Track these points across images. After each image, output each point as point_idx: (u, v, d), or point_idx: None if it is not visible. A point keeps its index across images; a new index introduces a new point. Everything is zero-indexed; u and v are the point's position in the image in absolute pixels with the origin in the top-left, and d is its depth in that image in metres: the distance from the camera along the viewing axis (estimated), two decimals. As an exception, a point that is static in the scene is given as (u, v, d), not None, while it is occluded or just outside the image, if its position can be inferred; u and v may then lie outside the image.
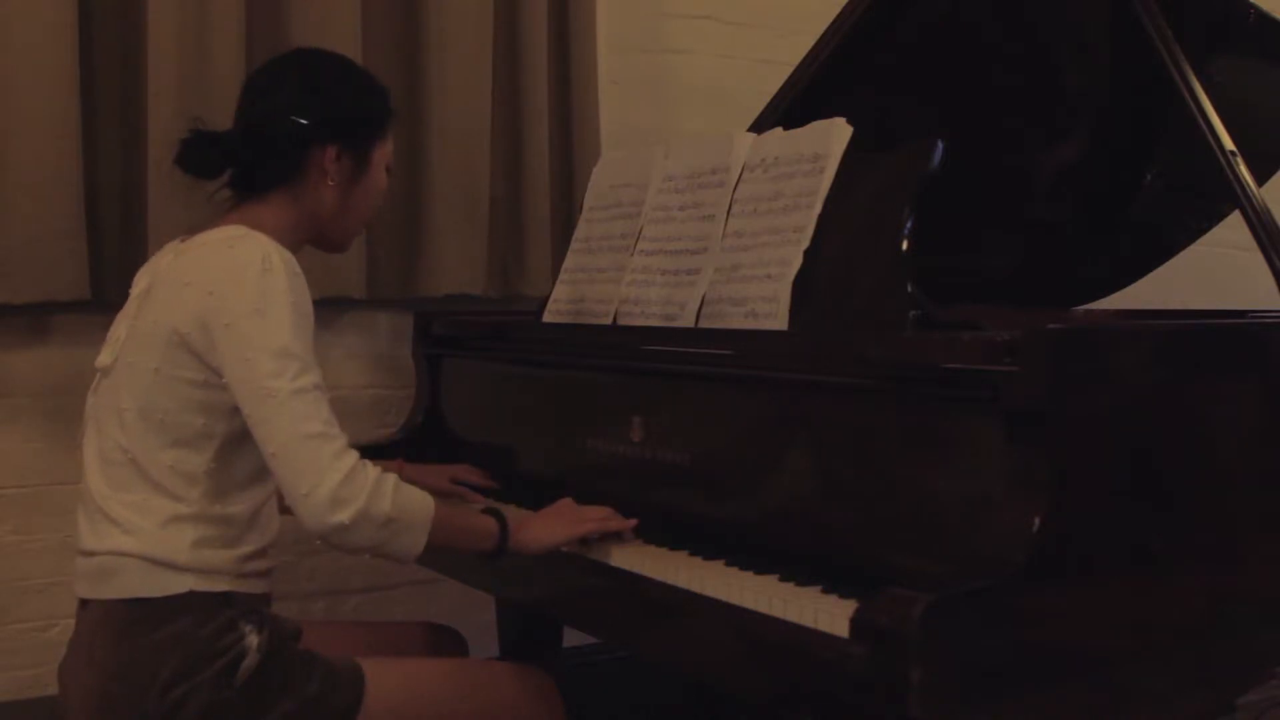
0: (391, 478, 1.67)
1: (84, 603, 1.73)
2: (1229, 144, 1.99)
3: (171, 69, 2.42)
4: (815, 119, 1.95)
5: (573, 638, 2.53)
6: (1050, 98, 2.47)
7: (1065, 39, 2.40)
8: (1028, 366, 1.44)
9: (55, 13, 2.32)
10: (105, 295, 2.41)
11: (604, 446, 2.03)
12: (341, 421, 1.67)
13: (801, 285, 1.82)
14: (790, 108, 2.31)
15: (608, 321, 2.12)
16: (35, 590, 2.45)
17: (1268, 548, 1.70)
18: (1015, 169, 2.52)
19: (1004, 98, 2.41)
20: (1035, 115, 2.48)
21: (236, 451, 1.70)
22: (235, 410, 1.67)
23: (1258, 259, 1.94)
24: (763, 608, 1.55)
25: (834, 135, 1.89)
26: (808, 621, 1.48)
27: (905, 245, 1.74)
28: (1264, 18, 2.33)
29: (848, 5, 2.32)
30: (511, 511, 1.86)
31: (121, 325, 1.79)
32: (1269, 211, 1.98)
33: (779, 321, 1.82)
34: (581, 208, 2.34)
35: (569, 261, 2.30)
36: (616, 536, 1.84)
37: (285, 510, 1.70)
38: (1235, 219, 2.06)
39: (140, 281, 1.82)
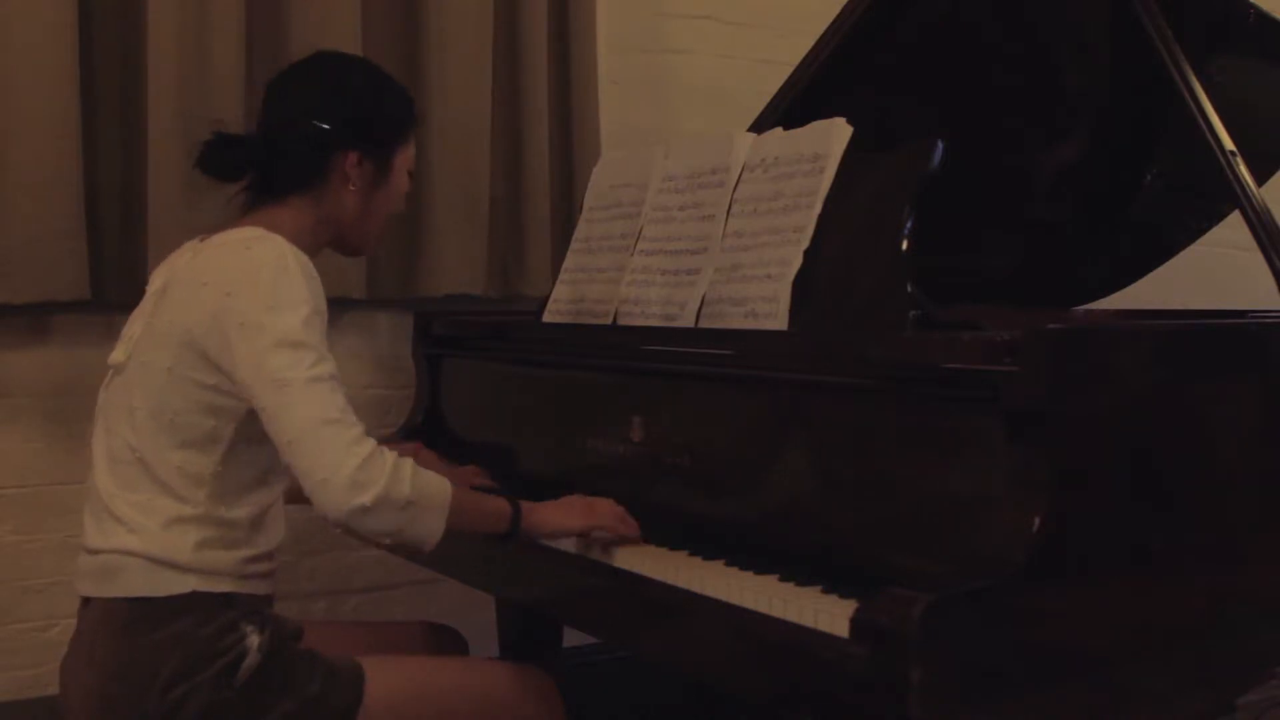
0: (409, 462, 1.66)
1: (86, 601, 1.73)
2: (1229, 144, 1.99)
3: (171, 69, 2.42)
4: (815, 119, 1.95)
5: (573, 638, 2.53)
6: (1050, 98, 2.47)
7: (1065, 39, 2.40)
8: (1028, 366, 1.44)
9: (55, 13, 2.32)
10: (105, 295, 2.41)
11: (604, 446, 2.03)
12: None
13: (801, 285, 1.82)
14: (790, 108, 2.31)
15: (608, 321, 2.12)
16: (35, 590, 2.45)
17: (1268, 548, 1.70)
18: (1015, 169, 2.52)
19: (1004, 98, 2.41)
20: (1035, 115, 2.48)
21: (244, 455, 1.70)
22: (246, 414, 1.67)
23: (1258, 259, 1.94)
24: (763, 608, 1.55)
25: (834, 135, 1.89)
26: (808, 621, 1.48)
27: (905, 245, 1.73)
28: (1264, 18, 2.33)
29: (848, 5, 2.32)
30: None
31: (137, 323, 1.78)
32: (1269, 211, 1.98)
33: (779, 321, 1.82)
34: (581, 208, 2.34)
35: (569, 261, 2.30)
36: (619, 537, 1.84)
37: (304, 500, 1.68)
38: (1235, 219, 2.06)
39: (156, 279, 1.81)
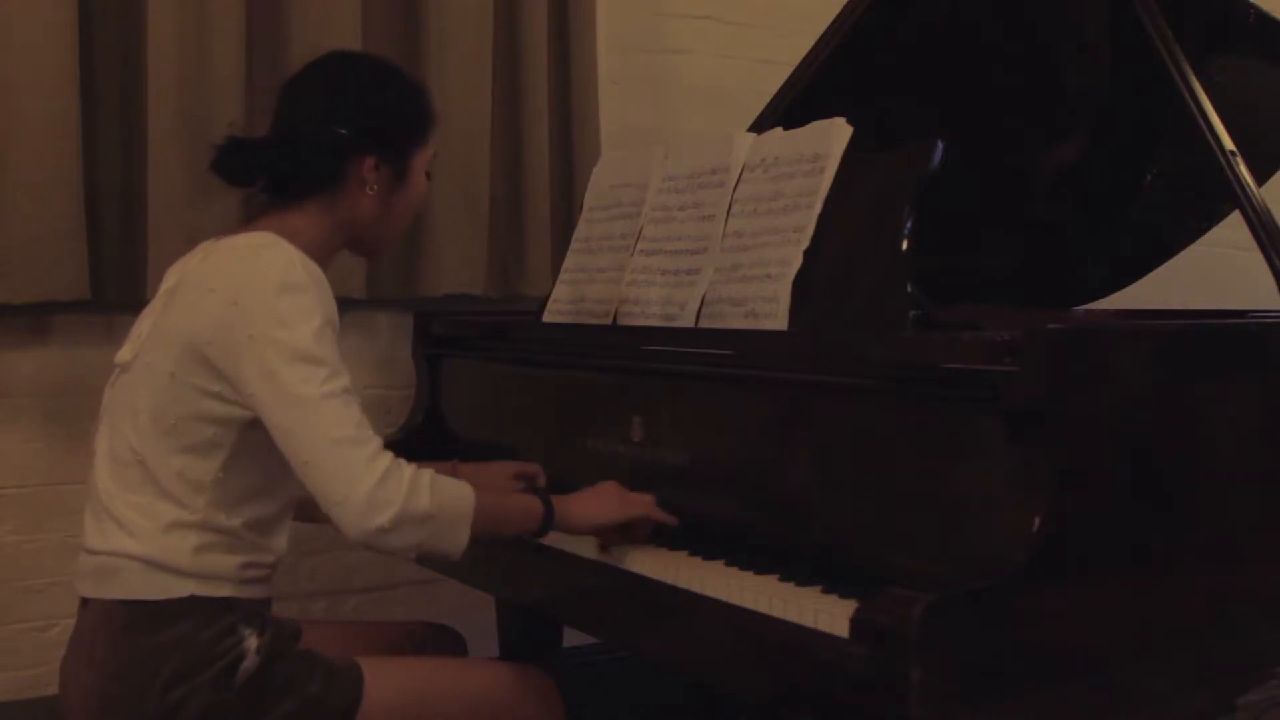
0: (428, 473, 1.65)
1: (85, 601, 1.73)
2: (1229, 144, 1.99)
3: (171, 69, 2.42)
4: (815, 119, 1.95)
5: (573, 638, 2.53)
6: (1050, 98, 2.47)
7: (1065, 39, 2.40)
8: (1028, 366, 1.44)
9: (55, 13, 2.32)
10: (105, 295, 2.41)
11: (604, 446, 2.03)
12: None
13: (801, 285, 1.82)
14: (790, 108, 2.31)
15: (608, 321, 2.12)
16: (35, 590, 2.45)
17: (1268, 548, 1.70)
18: (1015, 169, 2.52)
19: (1004, 98, 2.41)
20: (1035, 115, 2.48)
21: (245, 464, 1.68)
22: (248, 424, 1.65)
23: (1258, 259, 1.94)
24: (763, 608, 1.55)
25: (834, 135, 1.89)
26: (808, 621, 1.49)
27: (905, 245, 1.73)
28: (1264, 18, 2.33)
29: (848, 5, 2.31)
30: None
31: (146, 320, 1.77)
32: (1269, 211, 1.98)
33: (779, 321, 1.82)
34: (581, 208, 2.34)
35: (569, 261, 2.30)
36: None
37: (317, 518, 1.68)
38: (1235, 219, 2.06)
39: (169, 278, 1.80)
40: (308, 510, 1.71)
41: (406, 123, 1.85)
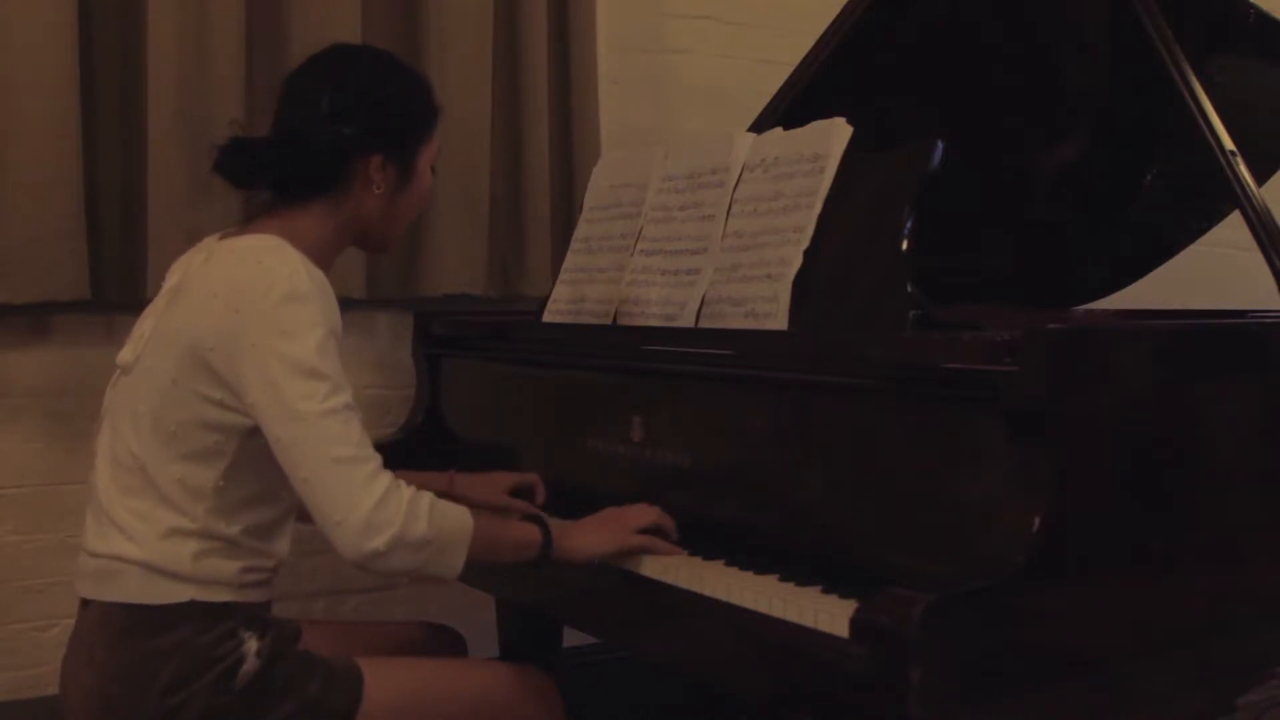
0: (427, 497, 1.63)
1: (85, 602, 1.73)
2: (1229, 144, 1.99)
3: (171, 69, 2.42)
4: (815, 119, 1.95)
5: (573, 638, 2.53)
6: (1050, 98, 2.47)
7: (1065, 39, 2.40)
8: (1028, 366, 1.44)
9: (55, 13, 2.32)
10: (105, 295, 2.41)
11: (604, 446, 2.03)
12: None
13: (801, 285, 1.82)
14: (790, 108, 2.31)
15: (608, 321, 2.12)
16: (35, 590, 2.45)
17: (1268, 548, 1.70)
18: (1015, 169, 2.52)
19: (1004, 98, 2.41)
20: (1035, 115, 2.48)
21: (247, 471, 1.67)
22: (249, 431, 1.64)
23: (1258, 259, 1.94)
24: (763, 608, 1.55)
25: (834, 135, 1.89)
26: (808, 621, 1.48)
27: (905, 245, 1.73)
28: (1264, 18, 2.33)
29: (848, 5, 2.31)
30: (552, 520, 1.83)
31: (148, 320, 1.75)
32: (1269, 211, 1.98)
33: (779, 321, 1.82)
34: (581, 208, 2.34)
35: (569, 261, 2.30)
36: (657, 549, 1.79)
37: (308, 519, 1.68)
38: (1235, 219, 2.06)
39: (172, 276, 1.78)
40: (305, 511, 1.71)
41: (412, 120, 1.83)
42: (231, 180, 1.77)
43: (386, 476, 1.61)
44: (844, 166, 1.86)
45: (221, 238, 1.77)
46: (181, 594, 1.65)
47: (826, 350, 1.74)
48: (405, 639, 2.06)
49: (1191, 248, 2.75)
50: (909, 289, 1.71)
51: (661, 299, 2.03)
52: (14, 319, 2.39)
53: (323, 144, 1.74)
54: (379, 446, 1.67)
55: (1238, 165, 1.98)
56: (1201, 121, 2.00)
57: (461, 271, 2.74)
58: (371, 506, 1.57)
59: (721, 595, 1.61)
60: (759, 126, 2.25)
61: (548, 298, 2.31)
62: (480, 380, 2.41)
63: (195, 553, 1.66)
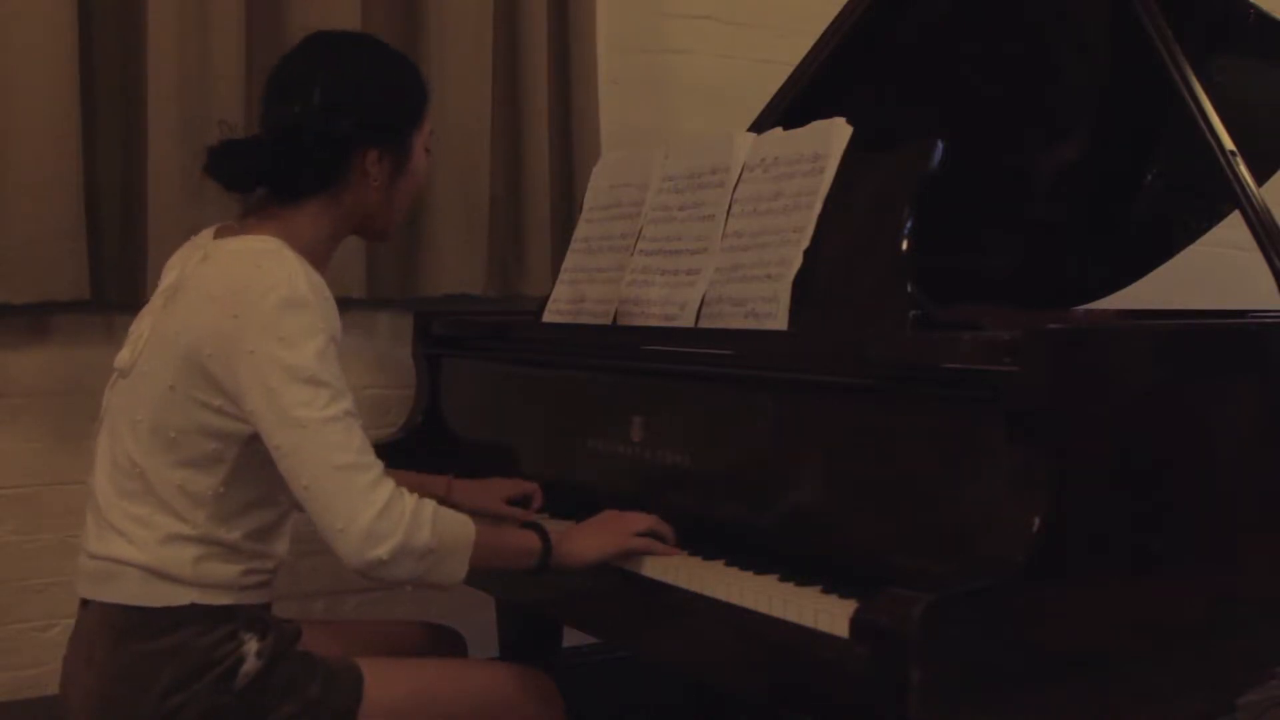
0: (429, 505, 1.63)
1: (85, 602, 1.73)
2: (1229, 144, 1.99)
3: (171, 69, 2.42)
4: (815, 119, 1.95)
5: (573, 638, 2.53)
6: (1050, 98, 2.47)
7: (1065, 39, 2.40)
8: (1028, 366, 1.44)
9: (55, 13, 2.32)
10: (105, 295, 2.41)
11: (604, 446, 2.02)
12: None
13: (801, 285, 1.82)
14: (790, 108, 2.31)
15: (608, 321, 2.12)
16: (35, 590, 2.45)
17: (1268, 548, 1.70)
18: (1015, 169, 2.52)
19: (1004, 97, 2.40)
20: (1035, 115, 2.48)
21: (247, 477, 1.67)
22: (249, 438, 1.64)
23: (1258, 259, 1.94)
24: (763, 608, 1.55)
25: (834, 135, 1.89)
26: (808, 621, 1.48)
27: (905, 245, 1.74)
28: (1264, 18, 2.33)
29: (848, 5, 2.31)
30: (551, 525, 1.82)
31: (145, 321, 1.74)
32: (1269, 211, 1.98)
33: (779, 321, 1.82)
34: (581, 208, 2.34)
35: (569, 261, 2.30)
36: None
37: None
38: (1235, 219, 2.06)
39: (169, 275, 1.76)
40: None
41: (404, 108, 1.80)
42: (224, 184, 1.75)
43: (389, 484, 1.60)
44: (844, 166, 1.86)
45: (218, 234, 1.75)
46: (182, 597, 1.65)
47: (826, 350, 1.74)
48: (405, 639, 2.06)
49: (1191, 248, 2.75)
50: (909, 289, 1.71)
51: (661, 299, 2.03)
52: (14, 319, 2.39)
53: (317, 143, 1.72)
54: (379, 446, 1.67)
55: (1238, 165, 1.98)
56: (1201, 121, 2.00)
57: (461, 271, 2.74)
58: (375, 514, 1.57)
59: (721, 595, 1.61)
60: (759, 126, 2.25)
61: (548, 298, 2.31)
62: (480, 380, 2.41)
63: (196, 557, 1.66)
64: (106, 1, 2.44)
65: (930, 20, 2.32)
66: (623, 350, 2.06)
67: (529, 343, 2.31)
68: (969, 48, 2.35)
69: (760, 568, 1.65)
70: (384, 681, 1.73)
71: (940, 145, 1.75)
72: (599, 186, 2.31)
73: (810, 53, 2.35)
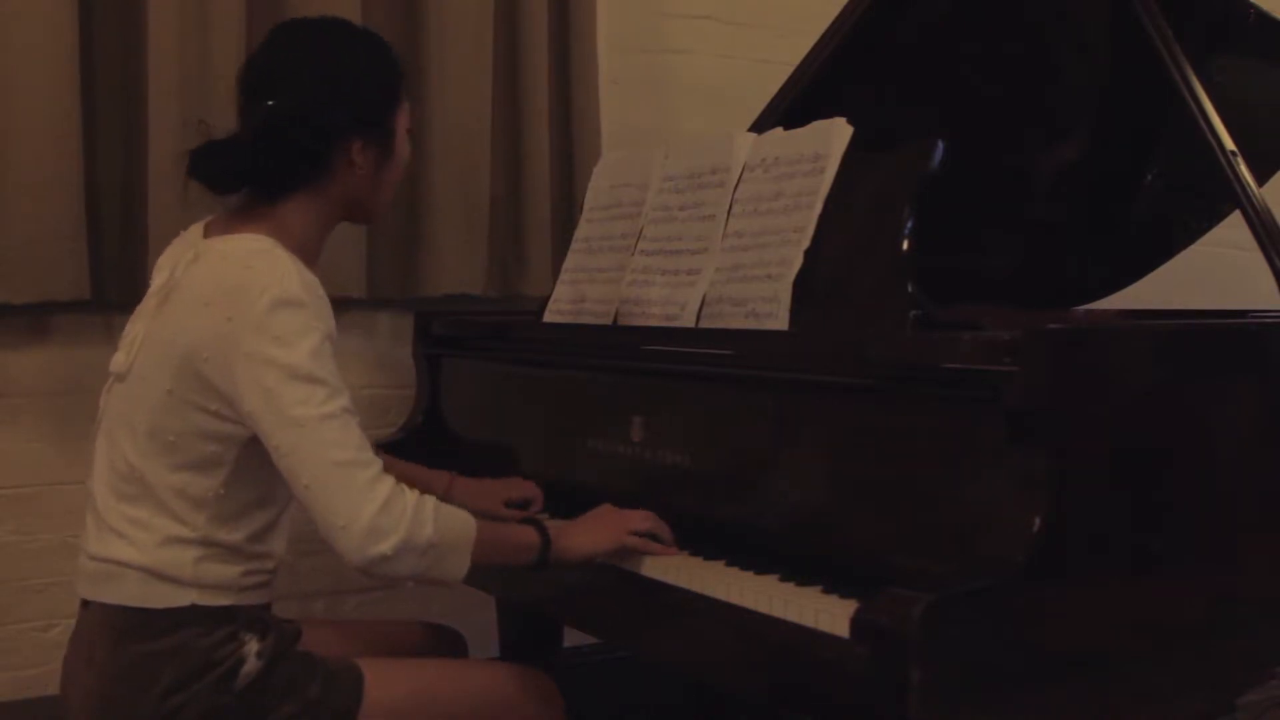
0: (430, 501, 1.63)
1: (85, 603, 1.73)
2: (1229, 144, 1.99)
3: (171, 69, 2.42)
4: (815, 119, 1.95)
5: (573, 638, 2.53)
6: (1050, 98, 2.47)
7: (1065, 39, 2.40)
8: (1028, 366, 1.44)
9: (55, 12, 2.32)
10: (105, 295, 2.41)
11: (604, 446, 2.03)
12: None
13: (802, 285, 1.82)
14: (790, 108, 2.31)
15: (608, 321, 2.12)
16: (35, 590, 2.45)
17: (1268, 548, 1.70)
18: (1015, 169, 2.52)
19: (1004, 97, 2.41)
20: (1035, 115, 2.48)
21: (246, 478, 1.67)
22: (248, 440, 1.64)
23: (1258, 259, 1.94)
24: (763, 608, 1.55)
25: (834, 135, 1.89)
26: (808, 621, 1.48)
27: (905, 245, 1.74)
28: (1264, 18, 2.33)
29: (848, 5, 2.31)
30: (551, 524, 1.82)
31: (139, 322, 1.73)
32: (1269, 211, 1.98)
33: (779, 321, 1.82)
34: (582, 208, 2.34)
35: (569, 261, 2.30)
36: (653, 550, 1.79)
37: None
38: (1235, 219, 2.06)
39: (160, 274, 1.76)
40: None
41: (382, 94, 1.79)
42: (209, 185, 1.72)
43: (389, 480, 1.60)
44: (844, 166, 1.86)
45: (207, 231, 1.74)
46: (183, 598, 1.65)
47: (827, 350, 1.74)
48: (405, 639, 2.06)
49: (1191, 248, 2.75)
50: (909, 289, 1.71)
51: (662, 299, 2.03)
52: (14, 319, 2.39)
53: (298, 137, 1.71)
54: (379, 446, 1.67)
55: (1238, 165, 1.98)
56: (1201, 121, 2.00)
57: (461, 271, 2.74)
58: (376, 511, 1.56)
59: (722, 595, 1.61)
60: (759, 126, 2.25)
61: (548, 298, 2.32)
62: (480, 380, 2.41)
63: (195, 558, 1.66)
64: (107, 1, 2.44)
65: (930, 20, 2.32)
66: (623, 350, 2.06)
67: (529, 343, 2.31)
68: (969, 48, 2.35)
69: (760, 568, 1.65)
70: (384, 681, 1.73)
71: (940, 145, 1.75)
72: (599, 186, 2.31)
73: (810, 53, 2.35)
